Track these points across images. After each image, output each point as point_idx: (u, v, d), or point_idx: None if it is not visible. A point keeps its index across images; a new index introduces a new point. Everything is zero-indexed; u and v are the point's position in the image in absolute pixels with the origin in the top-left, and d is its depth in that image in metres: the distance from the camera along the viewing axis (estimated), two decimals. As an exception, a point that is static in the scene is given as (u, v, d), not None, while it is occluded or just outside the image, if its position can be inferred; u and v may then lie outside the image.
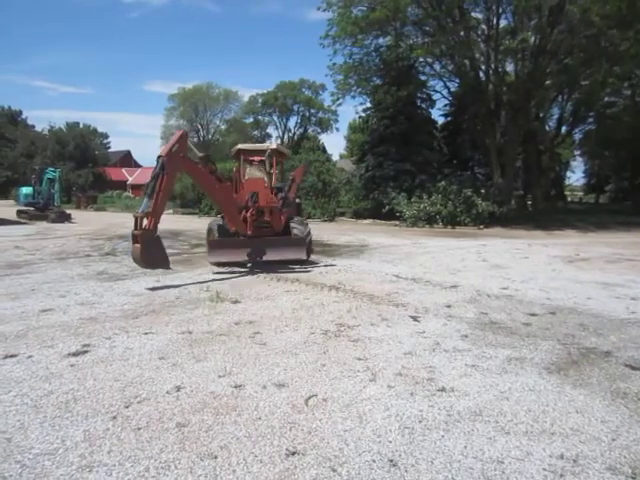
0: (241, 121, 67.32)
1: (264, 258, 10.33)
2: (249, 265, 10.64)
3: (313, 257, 12.33)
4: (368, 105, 31.76)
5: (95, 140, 68.29)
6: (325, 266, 11.02)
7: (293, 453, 3.19)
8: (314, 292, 8.19)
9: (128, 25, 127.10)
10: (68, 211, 29.03)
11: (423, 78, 30.96)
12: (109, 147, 74.79)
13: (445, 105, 35.42)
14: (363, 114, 33.64)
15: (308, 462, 3.09)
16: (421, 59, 29.61)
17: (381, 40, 29.32)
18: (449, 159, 32.12)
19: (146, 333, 5.76)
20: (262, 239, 10.56)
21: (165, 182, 8.62)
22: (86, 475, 2.94)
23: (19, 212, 29.20)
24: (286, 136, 67.50)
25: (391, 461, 3.10)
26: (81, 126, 65.05)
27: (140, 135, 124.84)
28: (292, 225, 11.48)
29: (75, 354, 5.02)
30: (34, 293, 7.94)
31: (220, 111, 68.56)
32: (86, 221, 27.38)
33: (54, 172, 29.18)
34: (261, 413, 3.73)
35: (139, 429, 3.48)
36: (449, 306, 7.18)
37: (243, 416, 3.67)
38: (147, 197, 8.54)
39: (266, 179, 11.62)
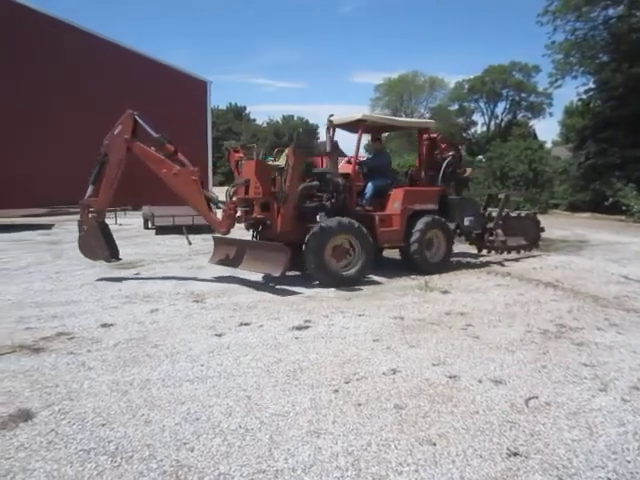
0: (446, 109, 65.89)
1: (238, 267, 8.10)
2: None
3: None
4: (591, 86, 28.63)
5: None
6: (539, 261, 10.29)
7: (515, 454, 3.04)
8: (528, 288, 7.71)
9: (339, 19, 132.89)
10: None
11: (663, 51, 26.74)
12: (318, 138, 79.63)
13: (693, 81, 30.04)
14: (584, 96, 30.29)
15: (532, 466, 2.92)
16: (662, 29, 25.55)
17: (611, 11, 26.01)
18: (695, 144, 27.24)
19: (360, 315, 6.04)
20: (241, 242, 8.42)
21: (107, 170, 8.03)
22: (315, 440, 3.19)
23: None
24: (492, 123, 64.41)
25: (631, 483, 2.78)
26: (295, 119, 70.71)
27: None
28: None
29: (298, 328, 5.50)
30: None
31: (425, 99, 68.28)
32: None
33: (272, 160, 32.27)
34: (478, 407, 3.64)
35: (359, 405, 3.66)
36: (697, 316, 6.14)
37: (459, 408, 3.63)
38: (91, 184, 8.23)
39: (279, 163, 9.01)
